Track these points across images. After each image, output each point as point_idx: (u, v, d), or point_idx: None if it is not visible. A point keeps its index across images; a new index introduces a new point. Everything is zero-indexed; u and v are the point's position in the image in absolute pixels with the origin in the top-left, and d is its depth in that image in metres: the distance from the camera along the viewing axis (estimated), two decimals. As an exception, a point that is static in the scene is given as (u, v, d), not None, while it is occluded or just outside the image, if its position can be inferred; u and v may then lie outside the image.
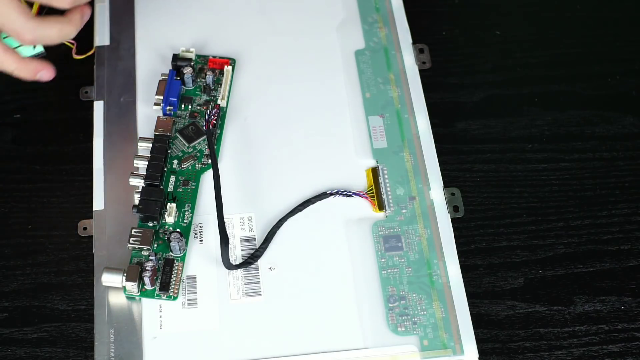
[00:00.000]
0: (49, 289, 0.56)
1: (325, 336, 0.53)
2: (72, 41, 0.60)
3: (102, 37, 0.65)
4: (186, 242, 0.56)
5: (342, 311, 0.54)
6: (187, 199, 0.57)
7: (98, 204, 0.58)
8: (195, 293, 0.54)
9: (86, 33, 0.64)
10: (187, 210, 0.57)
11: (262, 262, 0.56)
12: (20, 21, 0.52)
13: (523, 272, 0.57)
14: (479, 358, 0.53)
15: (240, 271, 0.55)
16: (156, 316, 0.54)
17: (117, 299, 0.54)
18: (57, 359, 0.54)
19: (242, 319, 0.54)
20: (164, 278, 0.54)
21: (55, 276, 0.57)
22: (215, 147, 0.59)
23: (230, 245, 0.55)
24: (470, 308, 0.54)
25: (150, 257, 0.54)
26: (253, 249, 0.56)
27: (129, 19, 0.66)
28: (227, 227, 0.55)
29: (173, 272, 0.54)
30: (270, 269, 0.55)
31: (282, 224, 0.57)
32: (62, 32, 0.54)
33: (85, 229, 0.58)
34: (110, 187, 0.58)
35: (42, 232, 0.58)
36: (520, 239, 0.59)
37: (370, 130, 0.61)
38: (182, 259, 0.55)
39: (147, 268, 0.54)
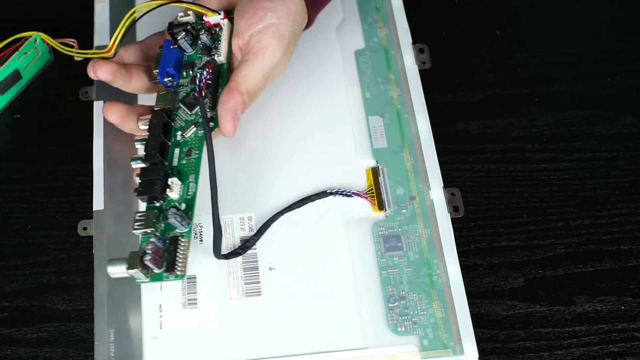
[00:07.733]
0: (49, 289, 0.56)
1: (325, 336, 0.53)
2: (73, 40, 0.60)
3: (102, 37, 0.65)
4: (191, 215, 0.52)
5: (342, 311, 0.54)
6: (191, 170, 0.54)
7: (98, 204, 0.58)
8: (195, 293, 0.54)
9: (86, 33, 0.64)
10: (192, 182, 0.53)
11: (262, 262, 0.56)
12: None
13: (523, 272, 0.57)
14: (479, 358, 0.53)
15: (240, 271, 0.55)
16: (156, 316, 0.54)
17: (117, 299, 0.54)
18: (57, 359, 0.54)
19: (242, 319, 0.54)
20: (170, 258, 0.51)
21: (55, 276, 0.57)
22: (212, 113, 0.55)
23: (229, 243, 0.55)
24: (470, 308, 0.54)
25: (151, 239, 0.51)
26: (253, 249, 0.56)
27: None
28: (227, 227, 0.55)
29: (178, 250, 0.51)
30: (270, 269, 0.55)
31: (277, 218, 0.57)
32: None
33: (85, 229, 0.58)
34: (110, 187, 0.58)
35: (42, 232, 0.58)
36: (520, 239, 0.59)
37: (370, 130, 0.61)
38: (188, 234, 0.52)
39: (147, 251, 0.50)
